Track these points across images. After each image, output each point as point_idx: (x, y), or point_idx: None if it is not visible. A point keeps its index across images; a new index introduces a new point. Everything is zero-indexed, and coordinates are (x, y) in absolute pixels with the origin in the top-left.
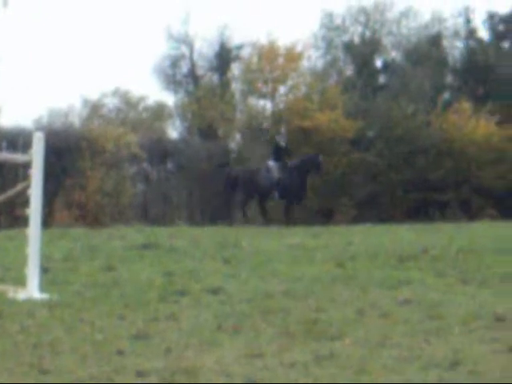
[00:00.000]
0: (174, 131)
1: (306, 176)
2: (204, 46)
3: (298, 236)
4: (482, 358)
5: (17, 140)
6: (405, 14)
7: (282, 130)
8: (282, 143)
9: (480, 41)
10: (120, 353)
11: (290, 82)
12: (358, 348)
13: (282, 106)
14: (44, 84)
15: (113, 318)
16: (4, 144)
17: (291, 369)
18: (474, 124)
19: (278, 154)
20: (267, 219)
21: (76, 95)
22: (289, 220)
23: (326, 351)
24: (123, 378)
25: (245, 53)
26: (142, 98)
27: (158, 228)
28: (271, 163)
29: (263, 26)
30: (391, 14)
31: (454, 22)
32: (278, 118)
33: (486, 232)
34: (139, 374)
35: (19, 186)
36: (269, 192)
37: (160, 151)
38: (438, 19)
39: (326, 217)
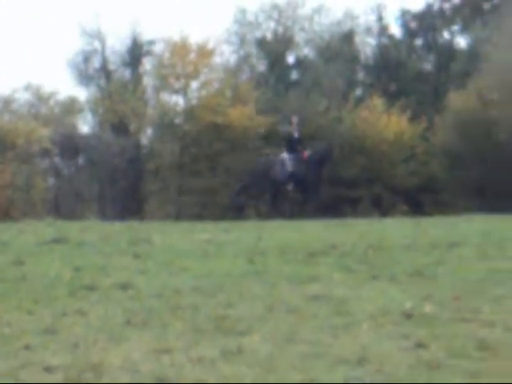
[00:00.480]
0: (85, 126)
1: (321, 168)
2: (116, 42)
3: (209, 231)
4: (390, 355)
5: None
6: (317, 11)
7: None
8: (296, 134)
9: (392, 38)
10: (27, 348)
11: (202, 78)
12: (266, 344)
13: (194, 101)
14: None
15: (21, 313)
16: None
17: (199, 365)
18: (385, 121)
19: (292, 146)
20: (279, 212)
21: None
22: (303, 212)
23: (233, 347)
24: (30, 373)
25: (157, 49)
26: (53, 93)
27: (68, 223)
28: (285, 156)
29: (176, 21)
30: (304, 11)
31: (366, 18)
32: (190, 113)
33: (397, 228)
34: (46, 369)
35: None
36: (283, 186)
37: (71, 146)
38: (350, 16)
39: (236, 211)
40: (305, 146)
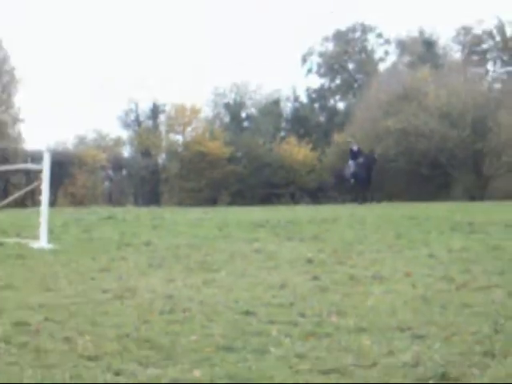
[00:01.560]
0: (126, 152)
1: (370, 169)
2: (144, 104)
3: (196, 212)
4: (299, 283)
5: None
6: (258, 87)
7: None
8: (355, 148)
9: (301, 103)
10: (92, 278)
11: (193, 125)
12: (229, 277)
13: (188, 138)
14: None
15: (88, 259)
16: (29, 159)
17: (190, 288)
18: (297, 150)
19: (353, 155)
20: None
21: None
22: (363, 200)
23: (210, 278)
24: (94, 293)
25: (167, 108)
26: (108, 133)
27: (116, 208)
28: (350, 162)
29: (176, 91)
30: (251, 87)
31: (286, 91)
32: (185, 145)
33: (303, 211)
34: (103, 291)
35: (36, 183)
36: (348, 180)
37: (118, 164)
38: (277, 90)
39: (213, 202)
40: (360, 155)
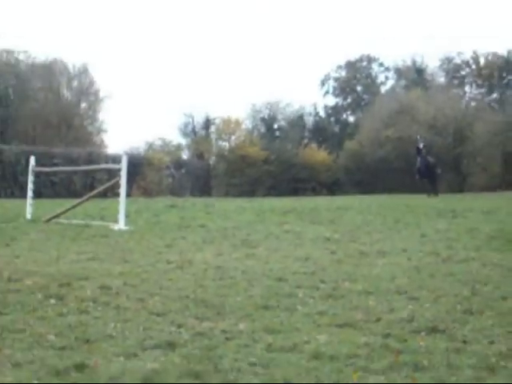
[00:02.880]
0: (185, 155)
1: (433, 167)
2: (198, 117)
3: (240, 202)
4: (320, 257)
5: (115, 159)
6: (287, 105)
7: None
8: (421, 146)
9: (320, 117)
10: (159, 253)
11: (236, 134)
12: (265, 251)
13: (232, 145)
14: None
15: (157, 238)
16: (110, 161)
17: (235, 260)
18: (317, 153)
19: (419, 152)
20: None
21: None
22: (429, 191)
23: (250, 253)
24: (160, 264)
25: (216, 121)
26: (170, 141)
27: (180, 198)
28: (418, 158)
29: (224, 105)
30: (281, 104)
31: (309, 108)
32: (231, 150)
33: (323, 201)
34: (168, 262)
35: (115, 179)
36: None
37: (179, 164)
38: (302, 107)
39: (251, 194)
40: (426, 154)
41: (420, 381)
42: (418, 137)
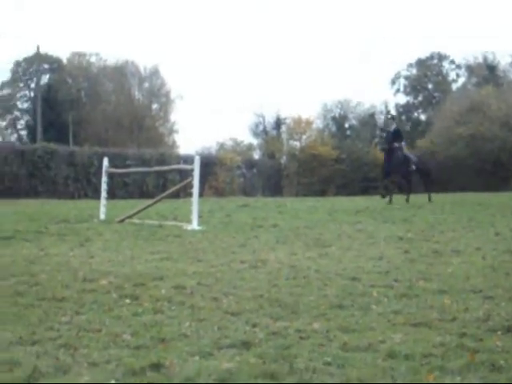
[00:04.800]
0: (256, 155)
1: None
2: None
3: (310, 201)
4: (393, 255)
5: (187, 159)
6: (358, 104)
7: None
8: (392, 129)
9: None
10: (233, 252)
11: (307, 134)
12: (338, 251)
13: (303, 144)
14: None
15: (229, 237)
16: (182, 161)
17: (308, 259)
18: None
19: (389, 139)
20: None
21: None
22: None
23: (323, 252)
24: (234, 264)
25: (287, 121)
26: (242, 141)
27: (252, 198)
28: (386, 148)
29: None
30: (351, 104)
31: (379, 106)
32: (302, 149)
33: (396, 199)
34: (241, 262)
35: (188, 179)
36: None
37: (250, 164)
38: (372, 106)
39: (322, 193)
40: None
41: (497, 381)
42: (389, 116)
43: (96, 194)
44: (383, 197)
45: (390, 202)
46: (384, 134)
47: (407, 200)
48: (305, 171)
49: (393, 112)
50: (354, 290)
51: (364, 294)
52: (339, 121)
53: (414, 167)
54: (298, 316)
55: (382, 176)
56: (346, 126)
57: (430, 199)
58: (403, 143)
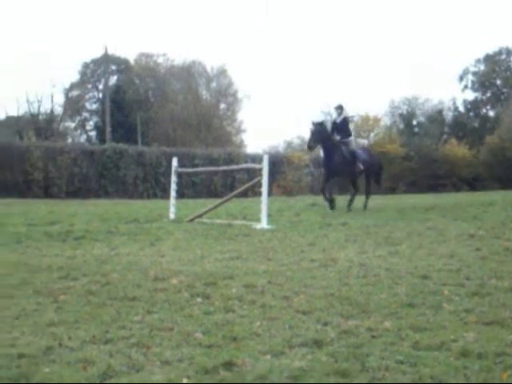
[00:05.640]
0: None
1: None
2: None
3: (379, 199)
4: (464, 253)
5: (255, 158)
6: (426, 100)
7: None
8: (338, 120)
9: (460, 112)
10: (302, 251)
11: (375, 131)
12: (408, 249)
13: (372, 141)
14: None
15: (299, 236)
16: (249, 160)
17: (378, 258)
18: (456, 148)
19: (337, 129)
20: None
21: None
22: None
23: (394, 250)
24: (304, 263)
25: (355, 118)
26: None
27: (317, 197)
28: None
29: (362, 102)
30: (419, 101)
31: (447, 103)
32: (370, 146)
33: (464, 197)
34: (311, 260)
35: (257, 179)
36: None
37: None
38: (440, 102)
39: (391, 190)
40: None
41: None
42: (336, 106)
43: (165, 194)
44: (331, 207)
45: (332, 207)
46: (312, 128)
47: (349, 205)
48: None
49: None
50: (424, 289)
51: (435, 292)
52: (407, 118)
53: (361, 166)
54: (369, 315)
55: (323, 179)
56: (414, 122)
57: (365, 206)
58: (351, 138)
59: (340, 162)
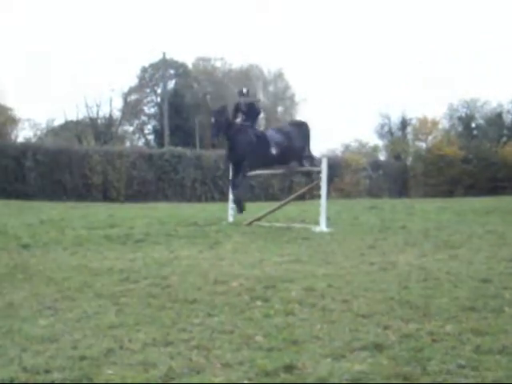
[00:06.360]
0: (382, 157)
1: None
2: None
3: (438, 202)
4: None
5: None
6: (485, 102)
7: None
8: (242, 106)
9: None
10: (362, 254)
11: (433, 134)
12: (469, 252)
13: (429, 145)
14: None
15: (357, 239)
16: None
17: (438, 261)
18: None
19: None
20: None
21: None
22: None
23: (453, 254)
24: (366, 266)
25: (413, 122)
26: (376, 145)
27: (379, 200)
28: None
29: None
30: (479, 103)
31: (507, 105)
32: (428, 150)
33: None
34: (371, 264)
35: (316, 181)
36: None
37: (376, 165)
38: (499, 105)
39: (449, 194)
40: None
41: None
42: (244, 90)
43: (222, 197)
44: (241, 211)
45: (241, 210)
46: (212, 120)
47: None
48: (431, 172)
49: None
50: (485, 292)
51: (496, 295)
52: (465, 120)
53: (273, 151)
54: (429, 318)
55: (231, 175)
56: (473, 125)
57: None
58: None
59: (246, 147)
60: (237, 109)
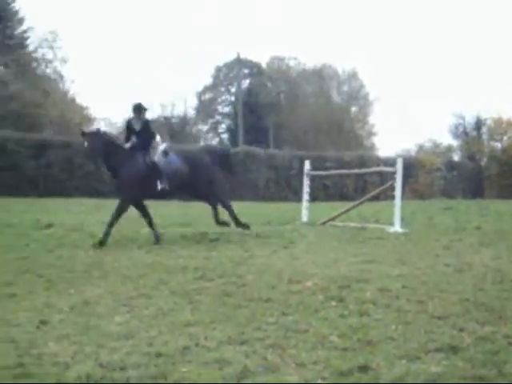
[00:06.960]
0: (456, 156)
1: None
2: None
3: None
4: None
5: (386, 161)
6: None
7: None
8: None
9: None
10: (437, 255)
11: (509, 134)
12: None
13: (505, 145)
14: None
15: (432, 239)
16: (381, 163)
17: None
18: None
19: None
20: None
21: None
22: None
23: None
24: (441, 267)
25: (488, 122)
26: (450, 145)
27: (450, 200)
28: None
29: (496, 105)
30: None
31: None
32: (503, 150)
33: None
34: (446, 265)
35: (390, 182)
36: None
37: (451, 166)
38: None
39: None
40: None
41: None
42: (134, 107)
43: (296, 197)
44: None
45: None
46: (85, 144)
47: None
48: (506, 173)
49: None
50: None
51: None
52: None
53: (161, 185)
54: (505, 321)
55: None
56: None
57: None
58: (156, 141)
59: (130, 176)
60: (129, 128)
